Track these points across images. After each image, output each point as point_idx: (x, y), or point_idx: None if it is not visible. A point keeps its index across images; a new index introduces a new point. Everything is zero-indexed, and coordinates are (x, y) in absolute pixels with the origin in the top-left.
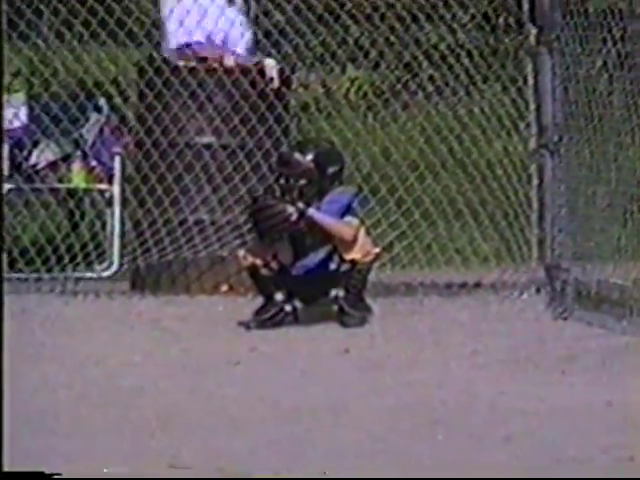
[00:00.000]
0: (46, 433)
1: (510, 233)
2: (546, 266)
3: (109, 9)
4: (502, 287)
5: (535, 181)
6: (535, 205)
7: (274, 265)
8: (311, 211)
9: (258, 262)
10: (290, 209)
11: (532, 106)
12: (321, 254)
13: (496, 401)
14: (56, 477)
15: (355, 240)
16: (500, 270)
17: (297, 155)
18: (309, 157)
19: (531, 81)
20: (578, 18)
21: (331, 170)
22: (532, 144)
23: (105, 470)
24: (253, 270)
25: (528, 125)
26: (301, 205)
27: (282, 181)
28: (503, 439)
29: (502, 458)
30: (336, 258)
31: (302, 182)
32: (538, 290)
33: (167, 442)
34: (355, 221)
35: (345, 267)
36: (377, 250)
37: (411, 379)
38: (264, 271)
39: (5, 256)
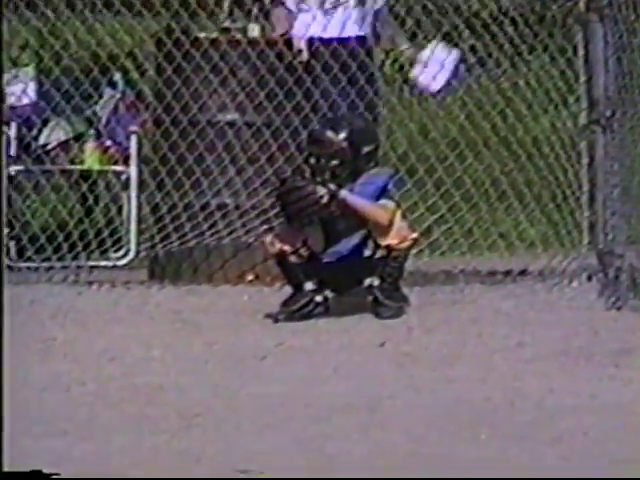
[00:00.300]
0: (59, 434)
1: (559, 216)
2: (598, 252)
3: None
4: (550, 274)
5: (585, 160)
6: (586, 186)
7: (304, 252)
8: (344, 193)
9: (286, 249)
10: (321, 191)
11: (582, 78)
12: (354, 240)
13: (544, 398)
14: (55, 477)
15: (391, 224)
16: (548, 256)
17: (329, 133)
18: (342, 135)
19: (581, 51)
20: None
21: (366, 149)
22: (582, 119)
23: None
24: (281, 257)
25: (578, 99)
26: (333, 187)
27: (312, 161)
28: (552, 439)
29: (550, 460)
30: (370, 244)
31: (334, 162)
32: (589, 278)
33: (189, 443)
34: (391, 204)
35: (380, 254)
36: (414, 235)
37: (452, 374)
38: (293, 258)
39: (14, 244)
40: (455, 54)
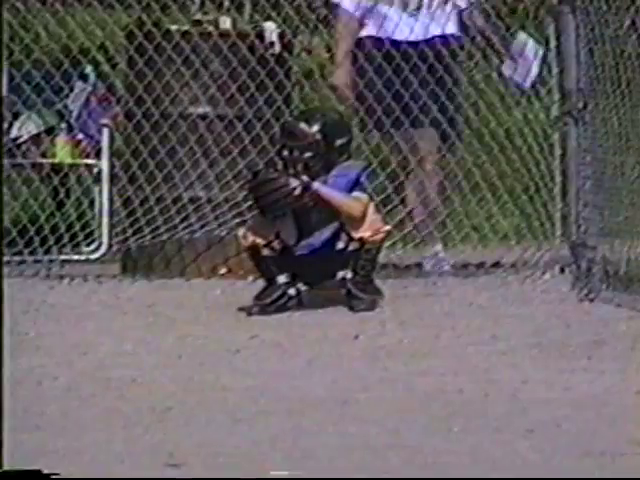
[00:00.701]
0: (30, 428)
1: (531, 208)
2: (571, 244)
3: None
4: (523, 267)
5: (558, 151)
6: (558, 178)
7: (276, 245)
8: (316, 185)
9: (259, 241)
10: (293, 182)
11: (554, 70)
12: (327, 232)
13: (518, 390)
14: (54, 477)
15: (364, 217)
16: (521, 248)
17: (303, 125)
18: (315, 128)
19: (553, 43)
20: None
21: (339, 142)
22: (555, 111)
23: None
24: (254, 250)
25: (550, 91)
26: (305, 178)
27: (285, 153)
28: (525, 431)
29: (524, 452)
30: (344, 237)
31: (307, 155)
32: (562, 270)
33: (162, 437)
34: (364, 196)
35: (353, 246)
36: (387, 228)
37: (425, 367)
38: (266, 251)
39: None
40: (541, 48)
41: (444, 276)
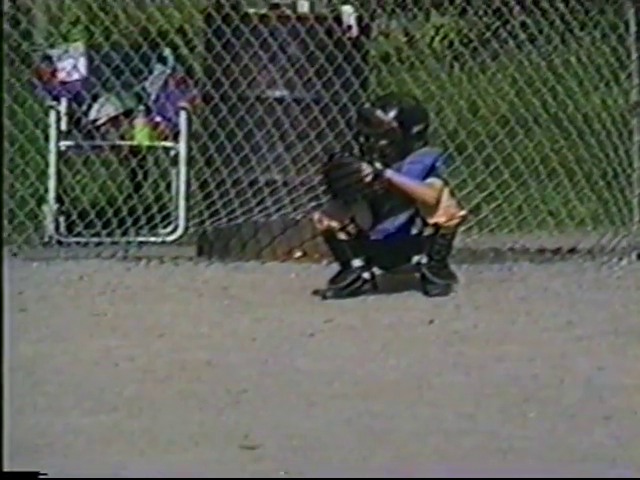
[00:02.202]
0: (107, 409)
1: (609, 194)
2: None
3: None
4: (600, 253)
5: (637, 137)
6: (636, 163)
7: (352, 229)
8: (389, 173)
9: (334, 225)
10: (367, 168)
11: (634, 55)
12: (402, 218)
13: (593, 376)
14: (54, 477)
15: (438, 203)
16: (598, 234)
17: (379, 112)
18: (392, 115)
19: (633, 27)
20: None
21: (415, 129)
22: (634, 96)
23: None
24: (329, 234)
25: (629, 76)
26: (379, 165)
27: (362, 140)
28: (602, 418)
29: (600, 439)
30: (418, 222)
31: (383, 142)
32: (639, 256)
33: (237, 419)
34: (438, 182)
35: (428, 231)
36: (463, 213)
37: (500, 353)
38: (341, 235)
39: (63, 219)
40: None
41: (520, 261)
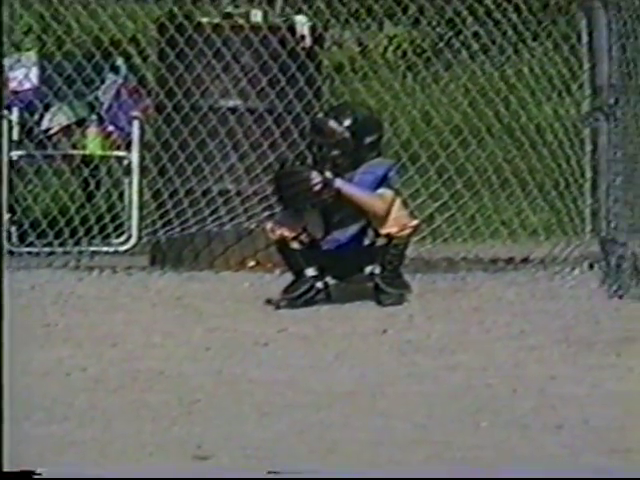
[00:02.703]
0: (59, 419)
1: (561, 204)
2: (600, 239)
3: None
4: (552, 262)
5: (589, 147)
6: (588, 173)
7: (304, 238)
8: (339, 182)
9: (287, 234)
10: (316, 177)
11: (586, 65)
12: (354, 228)
13: (546, 386)
14: (54, 477)
15: (388, 214)
16: (550, 244)
17: (332, 123)
18: (345, 125)
19: (585, 38)
20: None
21: (368, 140)
22: (586, 107)
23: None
24: (282, 243)
25: (581, 86)
26: (328, 174)
27: (315, 149)
28: (553, 427)
29: (552, 448)
30: (370, 233)
31: (335, 152)
32: (592, 266)
33: (190, 430)
34: (389, 193)
35: (381, 242)
36: (414, 223)
37: (453, 362)
38: (294, 244)
39: (15, 229)
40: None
41: (473, 271)
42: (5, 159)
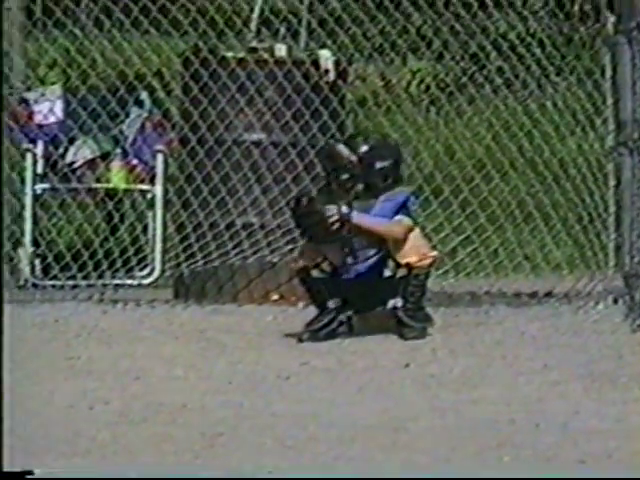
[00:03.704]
0: (82, 452)
1: (585, 238)
2: (624, 274)
3: None
4: (576, 297)
5: (612, 182)
6: (612, 208)
7: (325, 266)
8: (356, 216)
9: (308, 263)
10: (332, 213)
11: (610, 100)
12: (373, 259)
13: (569, 420)
14: (55, 477)
15: (406, 239)
16: (574, 278)
17: (340, 147)
18: (355, 150)
19: (609, 73)
20: None
21: (379, 165)
22: (609, 142)
23: None
24: (304, 273)
25: (605, 121)
26: (344, 209)
27: (328, 177)
28: (577, 462)
29: None
30: (391, 264)
31: (345, 176)
32: (615, 300)
33: (212, 463)
34: (406, 219)
35: (401, 273)
36: (434, 253)
37: (476, 396)
38: (315, 272)
39: (39, 261)
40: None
41: (496, 305)
42: (30, 192)
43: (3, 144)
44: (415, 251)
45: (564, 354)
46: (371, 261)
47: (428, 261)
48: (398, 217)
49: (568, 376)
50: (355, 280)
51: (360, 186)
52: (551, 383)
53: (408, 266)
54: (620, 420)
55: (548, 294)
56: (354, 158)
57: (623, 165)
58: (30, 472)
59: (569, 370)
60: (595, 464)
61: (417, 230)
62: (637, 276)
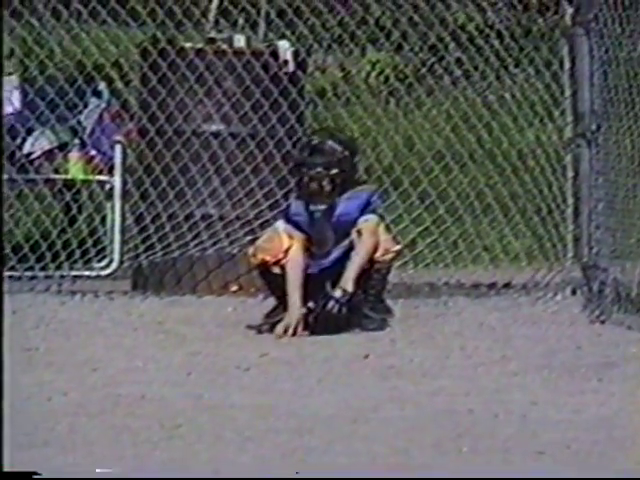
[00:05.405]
0: (39, 444)
1: (543, 229)
2: (582, 265)
3: None
4: (534, 288)
5: (570, 173)
6: (570, 199)
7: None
8: (338, 293)
9: (269, 259)
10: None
11: (568, 92)
12: (337, 252)
13: (528, 411)
14: (53, 477)
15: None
16: (532, 269)
17: (331, 142)
18: (342, 145)
19: (567, 65)
20: None
21: (356, 159)
22: (568, 133)
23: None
24: (264, 268)
25: (563, 112)
26: (332, 292)
27: (311, 171)
28: (535, 452)
29: (534, 473)
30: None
31: (335, 171)
32: (574, 291)
33: (171, 454)
34: (372, 218)
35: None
36: (397, 247)
37: (435, 387)
38: (275, 269)
39: None
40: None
41: (455, 296)
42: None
43: (3, 140)
44: (379, 246)
45: (523, 345)
46: (335, 255)
47: (391, 255)
48: (364, 218)
49: (527, 367)
50: (319, 275)
51: (343, 180)
52: (510, 374)
53: (371, 260)
54: (578, 411)
55: (507, 285)
56: (347, 153)
57: (581, 157)
58: (32, 473)
59: (528, 361)
60: (554, 454)
61: (382, 225)
62: (595, 267)
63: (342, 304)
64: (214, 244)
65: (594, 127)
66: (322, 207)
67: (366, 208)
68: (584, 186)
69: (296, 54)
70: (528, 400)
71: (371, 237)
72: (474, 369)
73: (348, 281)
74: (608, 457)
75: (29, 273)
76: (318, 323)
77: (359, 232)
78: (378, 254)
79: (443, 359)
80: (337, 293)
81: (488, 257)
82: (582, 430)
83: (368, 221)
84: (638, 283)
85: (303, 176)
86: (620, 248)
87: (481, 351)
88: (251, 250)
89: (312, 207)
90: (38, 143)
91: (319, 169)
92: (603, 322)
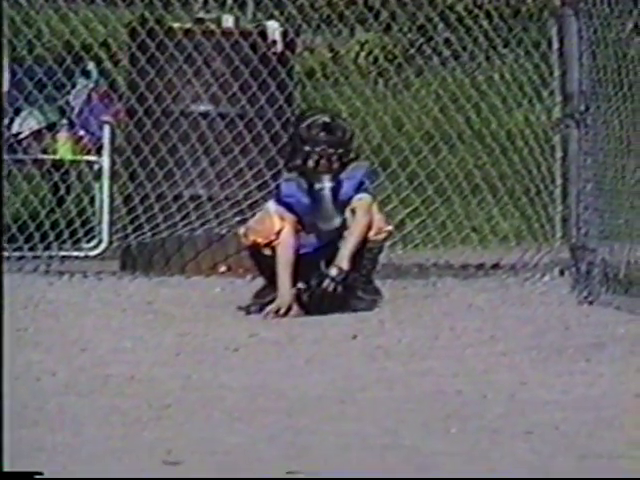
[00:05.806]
0: (28, 424)
1: (532, 210)
2: (571, 246)
3: None
4: (523, 268)
5: (559, 154)
6: (559, 180)
7: (277, 244)
8: (334, 271)
9: (260, 240)
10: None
11: (557, 72)
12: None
13: (516, 391)
14: (54, 477)
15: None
16: (521, 250)
17: (341, 122)
18: (346, 124)
19: (556, 45)
20: None
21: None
22: (556, 114)
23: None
24: (254, 249)
25: (552, 93)
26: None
27: (314, 148)
28: (523, 433)
29: (522, 453)
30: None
31: (341, 150)
32: (562, 272)
33: (160, 435)
34: (366, 197)
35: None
36: (390, 228)
37: (424, 367)
38: (266, 250)
39: None
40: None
41: (444, 277)
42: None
43: (2, 137)
44: (372, 225)
45: (511, 326)
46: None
47: (383, 235)
48: (357, 196)
49: (515, 347)
50: (312, 254)
51: (346, 158)
52: (498, 354)
53: (364, 239)
54: (567, 391)
55: (495, 266)
56: (353, 132)
57: (570, 137)
58: (33, 473)
59: (516, 341)
60: (542, 435)
61: (375, 204)
62: (583, 248)
63: (338, 282)
64: (203, 225)
65: (583, 108)
66: (329, 184)
67: (360, 187)
68: (573, 167)
69: (285, 34)
70: (517, 380)
71: (365, 215)
72: (463, 350)
73: (343, 259)
74: (596, 437)
75: (17, 253)
76: (313, 302)
77: (353, 210)
78: (371, 233)
79: (432, 340)
80: (333, 271)
81: (477, 238)
82: (571, 410)
83: (362, 200)
84: (626, 264)
85: (309, 153)
86: (608, 229)
87: (470, 332)
88: (242, 231)
89: (318, 185)
90: (26, 123)
91: (328, 146)
92: (591, 303)
